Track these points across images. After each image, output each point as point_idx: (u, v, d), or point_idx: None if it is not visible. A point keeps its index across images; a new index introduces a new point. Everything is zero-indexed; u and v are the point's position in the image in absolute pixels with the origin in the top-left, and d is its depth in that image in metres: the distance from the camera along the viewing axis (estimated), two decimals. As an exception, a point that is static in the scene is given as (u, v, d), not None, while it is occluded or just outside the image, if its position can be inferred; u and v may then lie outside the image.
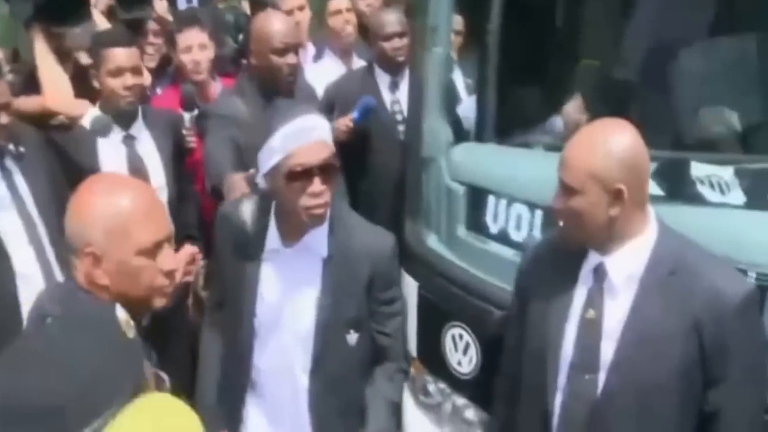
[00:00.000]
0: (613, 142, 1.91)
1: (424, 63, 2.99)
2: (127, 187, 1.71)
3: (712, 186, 2.40)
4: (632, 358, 1.95)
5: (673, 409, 1.94)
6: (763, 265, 2.16)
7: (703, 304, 1.89)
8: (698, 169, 2.42)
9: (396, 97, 3.82)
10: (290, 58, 3.30)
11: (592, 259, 2.04)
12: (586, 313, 2.02)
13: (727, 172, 2.39)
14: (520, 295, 2.22)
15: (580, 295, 2.05)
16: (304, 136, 2.09)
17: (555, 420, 2.06)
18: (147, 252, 1.66)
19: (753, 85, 2.75)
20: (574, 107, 2.92)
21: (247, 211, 2.25)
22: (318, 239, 2.21)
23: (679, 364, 1.91)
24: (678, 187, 2.39)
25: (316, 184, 2.09)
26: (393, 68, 3.81)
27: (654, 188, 2.39)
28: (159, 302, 1.72)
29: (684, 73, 2.76)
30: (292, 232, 2.22)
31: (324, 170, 2.11)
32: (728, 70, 2.74)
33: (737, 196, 2.36)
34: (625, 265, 1.98)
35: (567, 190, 1.93)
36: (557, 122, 2.99)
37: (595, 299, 2.02)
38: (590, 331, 2.01)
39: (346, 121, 3.71)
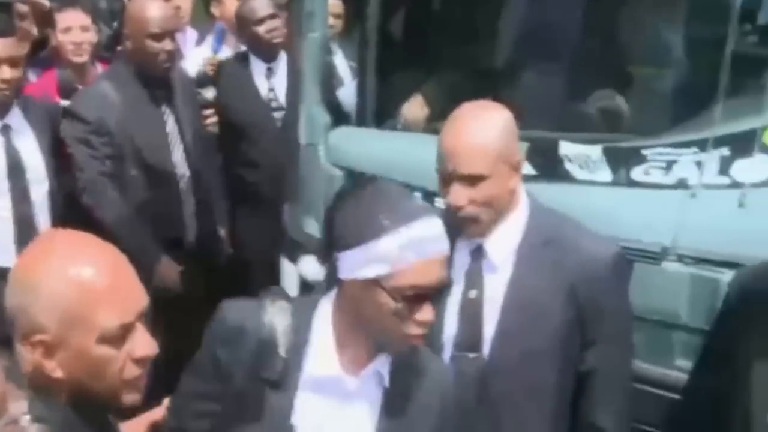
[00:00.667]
0: (500, 118, 1.93)
1: (300, 48, 2.95)
2: (88, 255, 1.34)
3: (580, 164, 2.46)
4: (514, 330, 1.98)
5: (555, 374, 1.99)
6: (628, 239, 2.23)
7: (577, 269, 1.95)
8: (567, 148, 2.48)
9: (272, 84, 3.79)
10: (167, 44, 3.24)
11: (467, 241, 2.04)
12: (467, 294, 2.03)
13: (594, 151, 2.46)
14: None
15: (458, 277, 2.06)
16: (430, 248, 1.53)
17: None
18: (113, 338, 1.32)
19: (617, 67, 2.83)
20: (442, 90, 2.94)
21: (280, 324, 1.64)
22: (382, 365, 1.66)
23: (560, 329, 1.96)
24: (548, 166, 2.44)
25: (428, 311, 1.56)
26: (268, 54, 3.77)
27: (526, 167, 2.44)
28: (130, 398, 1.38)
29: (552, 58, 2.82)
30: (358, 358, 1.63)
31: (437, 293, 1.61)
32: (592, 53, 2.81)
33: (604, 174, 2.43)
34: (504, 242, 2.01)
35: (472, 180, 1.89)
36: (434, 106, 3.01)
37: (475, 280, 2.03)
38: (472, 310, 2.02)
39: (208, 59, 3.89)
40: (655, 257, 2.23)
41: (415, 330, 1.57)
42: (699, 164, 2.34)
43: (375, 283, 1.52)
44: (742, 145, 2.31)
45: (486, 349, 2.01)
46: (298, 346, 1.63)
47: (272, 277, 3.12)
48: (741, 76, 2.38)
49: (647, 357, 2.23)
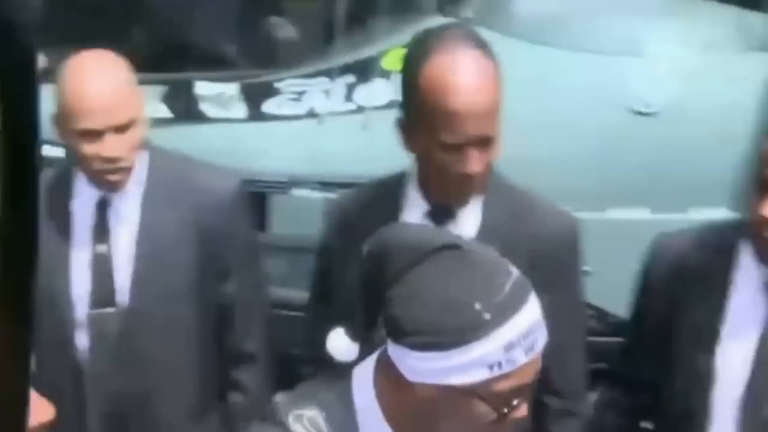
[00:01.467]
0: (121, 61, 1.91)
1: None
2: None
3: (216, 103, 2.48)
4: (148, 277, 1.99)
5: (194, 315, 2.01)
6: (261, 172, 2.29)
7: (200, 205, 1.98)
8: (202, 88, 2.47)
9: None
10: None
11: (90, 194, 2.01)
12: (96, 249, 2.02)
13: (230, 89, 2.48)
14: None
15: (83, 231, 2.03)
16: (539, 338, 1.15)
17: (84, 361, 2.04)
18: None
19: (250, 4, 2.86)
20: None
21: None
22: None
23: (193, 266, 1.97)
24: (183, 108, 2.44)
25: (525, 408, 1.22)
26: None
27: (163, 111, 2.42)
28: None
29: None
30: None
31: None
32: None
33: (239, 110, 2.46)
34: (129, 191, 1.98)
35: (124, 129, 1.84)
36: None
37: (103, 233, 2.01)
38: (102, 265, 2.00)
39: None
40: (285, 186, 2.30)
41: (507, 429, 1.23)
42: (327, 93, 2.43)
43: (468, 391, 1.15)
44: (364, 71, 2.43)
45: (123, 301, 2.01)
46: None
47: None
48: (363, 7, 2.49)
49: (290, 283, 2.31)
